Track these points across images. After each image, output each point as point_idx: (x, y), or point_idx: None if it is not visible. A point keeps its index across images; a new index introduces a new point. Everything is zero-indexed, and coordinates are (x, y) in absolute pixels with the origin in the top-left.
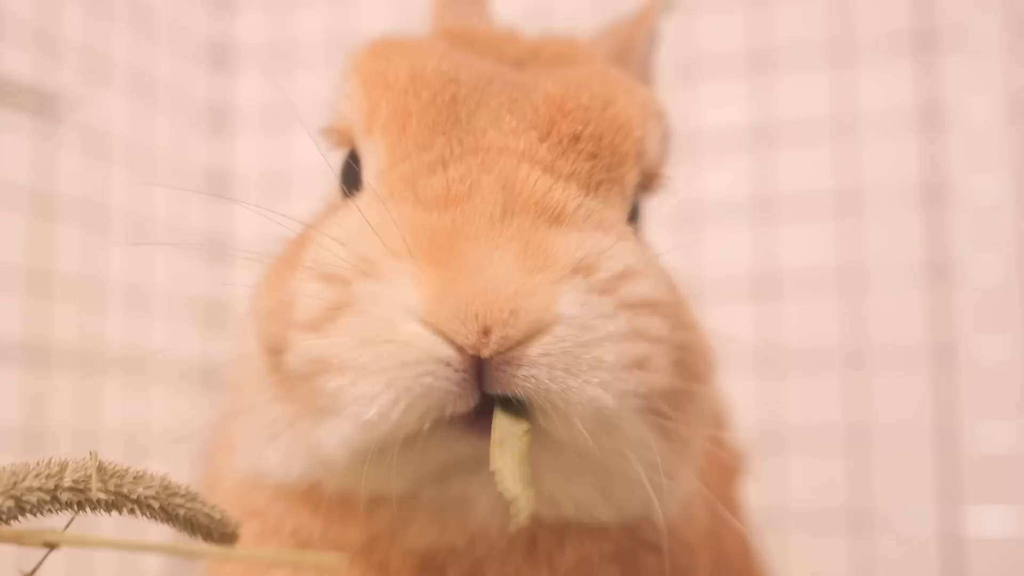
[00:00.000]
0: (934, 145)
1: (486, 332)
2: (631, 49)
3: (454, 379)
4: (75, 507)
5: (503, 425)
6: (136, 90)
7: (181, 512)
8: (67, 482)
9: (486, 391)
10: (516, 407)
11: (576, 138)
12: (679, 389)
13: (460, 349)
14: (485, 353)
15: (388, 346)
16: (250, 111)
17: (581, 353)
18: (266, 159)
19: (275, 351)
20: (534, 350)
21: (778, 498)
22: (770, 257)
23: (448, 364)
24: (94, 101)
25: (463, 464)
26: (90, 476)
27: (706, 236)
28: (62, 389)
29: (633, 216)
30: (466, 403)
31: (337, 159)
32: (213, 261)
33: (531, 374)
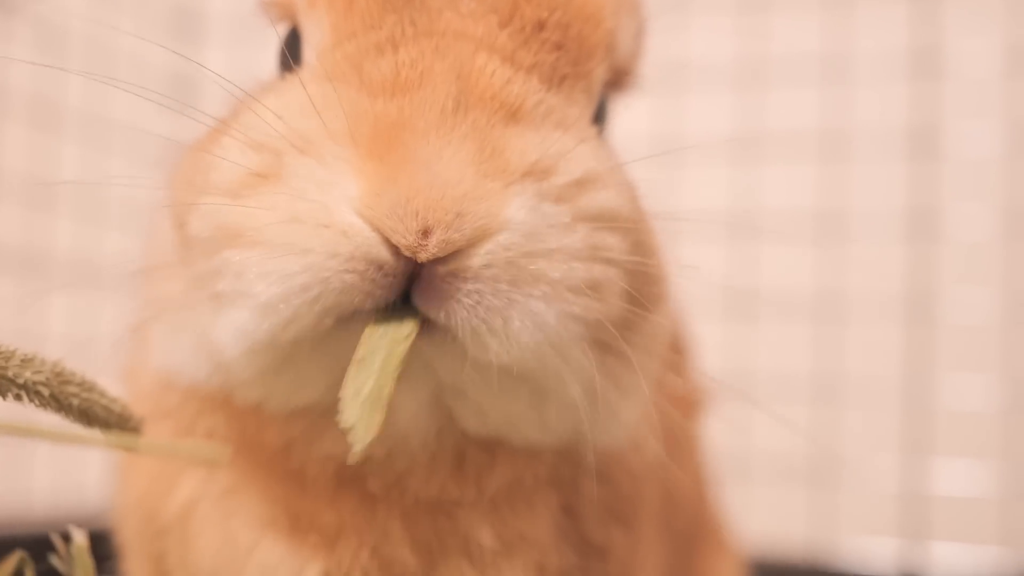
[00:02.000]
0: (926, 91)
1: (426, 233)
2: None
3: (380, 283)
4: None
5: (373, 339)
6: None
7: (75, 402)
8: None
9: (419, 305)
10: (403, 310)
11: (540, 25)
12: (629, 316)
13: (396, 252)
14: (422, 257)
15: (320, 230)
16: (220, 16)
17: (525, 263)
18: (233, 67)
19: (182, 218)
20: (476, 260)
21: (741, 445)
22: (749, 197)
23: (380, 267)
24: None
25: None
26: None
27: (685, 173)
28: (5, 294)
29: (599, 116)
30: (379, 304)
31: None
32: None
33: (475, 289)
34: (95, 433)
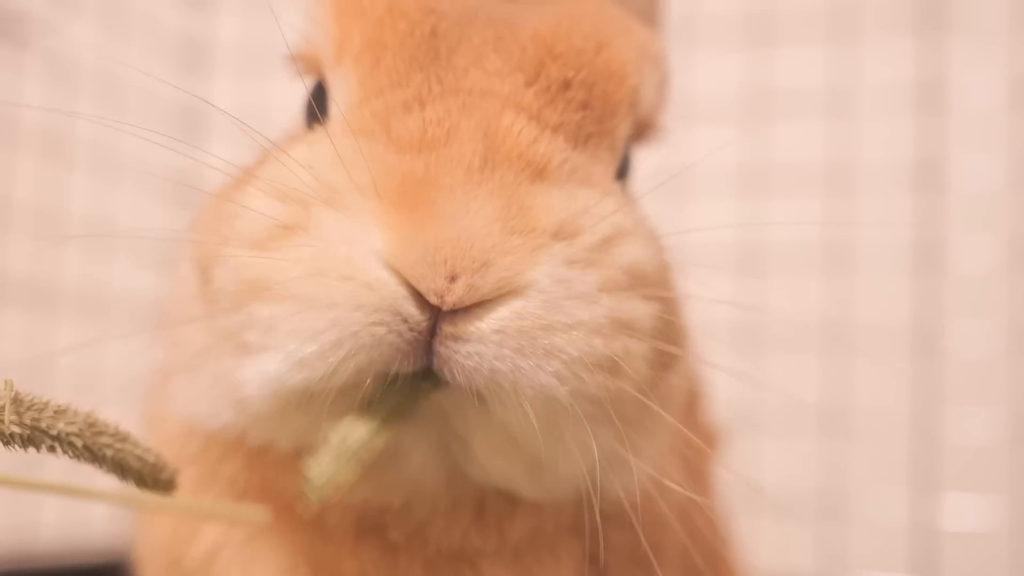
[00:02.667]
0: (932, 125)
1: (452, 279)
2: None
3: (407, 337)
4: None
5: (357, 427)
6: (108, 19)
7: (109, 453)
8: None
9: (435, 364)
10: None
11: (566, 85)
12: (651, 377)
13: (421, 305)
14: (448, 300)
15: (345, 283)
16: (228, 49)
17: (540, 336)
18: (241, 100)
19: (207, 267)
20: (486, 324)
21: (750, 479)
22: (755, 229)
23: (405, 321)
24: (64, 27)
25: (396, 416)
26: (3, 407)
27: (692, 204)
28: (13, 324)
29: (623, 169)
30: (411, 365)
31: (304, 89)
32: (180, 200)
33: (476, 351)
34: (127, 490)
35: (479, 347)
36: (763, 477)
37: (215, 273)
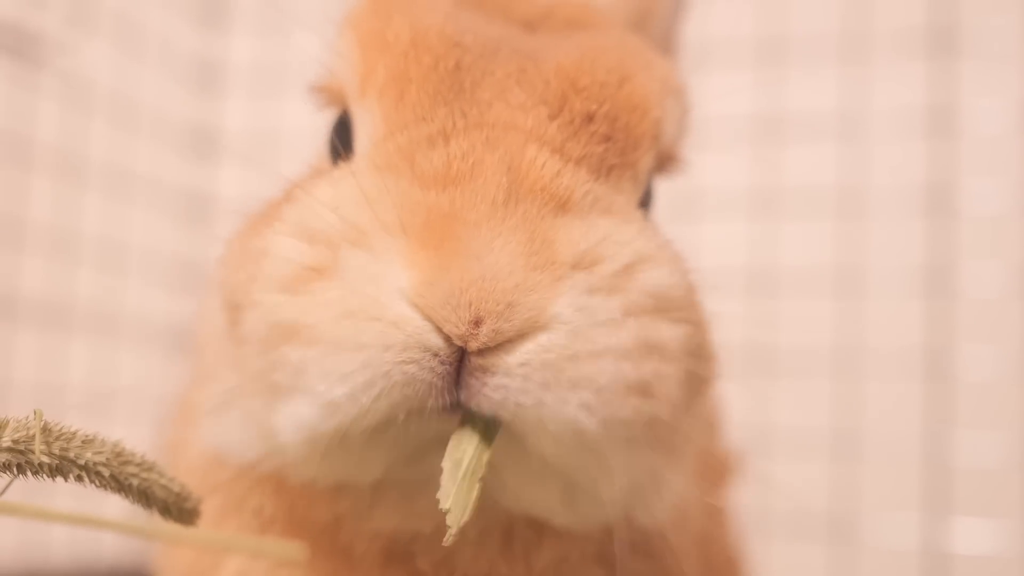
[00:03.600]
0: (942, 149)
1: (477, 323)
2: (652, 13)
3: (438, 371)
4: (15, 470)
5: (462, 446)
6: (123, 40)
7: (135, 482)
8: (6, 442)
9: (463, 394)
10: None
11: (589, 118)
12: (681, 403)
13: (448, 339)
14: (472, 346)
15: (373, 324)
16: (241, 69)
17: (567, 367)
18: (254, 120)
19: (236, 307)
20: (512, 358)
21: (761, 502)
22: (767, 253)
23: (436, 355)
24: (79, 48)
25: (432, 444)
26: (33, 436)
27: (703, 227)
28: (26, 342)
29: (645, 200)
30: (444, 399)
31: (327, 120)
32: (192, 221)
33: (502, 384)
34: (163, 527)
35: (505, 380)
36: (775, 500)
37: (245, 316)
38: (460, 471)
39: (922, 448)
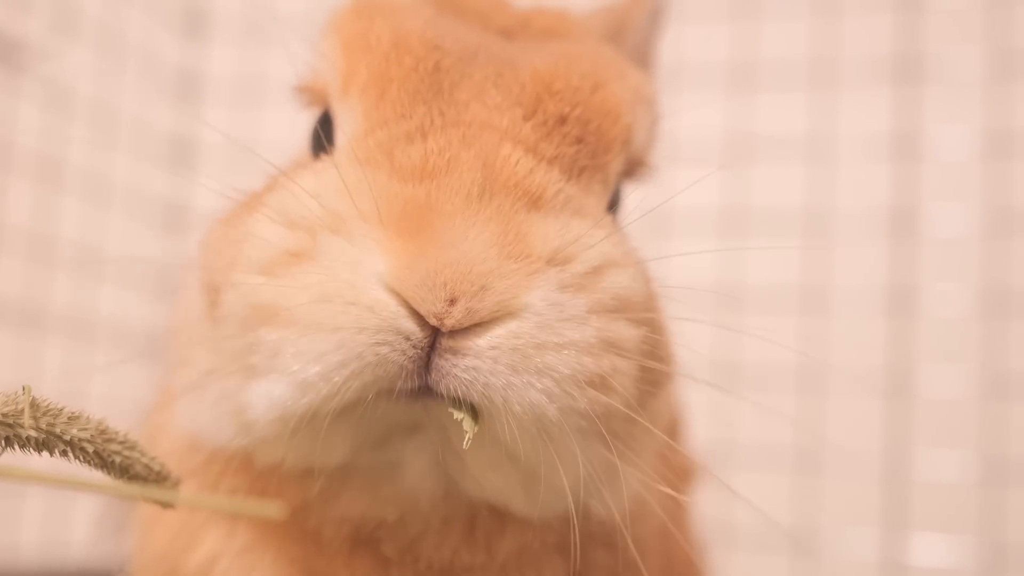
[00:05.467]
0: (906, 173)
1: (452, 302)
2: (627, 27)
3: (409, 354)
4: (3, 443)
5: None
6: (105, 48)
7: (117, 459)
8: None
9: (433, 377)
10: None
11: (562, 120)
12: (637, 398)
13: (422, 323)
14: (447, 323)
15: (349, 307)
16: (221, 81)
17: (533, 354)
18: (233, 131)
19: (215, 289)
20: (483, 341)
21: (723, 513)
22: (735, 271)
23: (408, 339)
24: (61, 55)
25: (398, 428)
26: (22, 411)
27: (671, 246)
28: (2, 345)
29: (613, 203)
30: (413, 382)
31: (308, 121)
32: (169, 229)
33: (472, 365)
34: (151, 489)
35: (476, 362)
36: (736, 512)
37: (224, 297)
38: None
39: (882, 464)
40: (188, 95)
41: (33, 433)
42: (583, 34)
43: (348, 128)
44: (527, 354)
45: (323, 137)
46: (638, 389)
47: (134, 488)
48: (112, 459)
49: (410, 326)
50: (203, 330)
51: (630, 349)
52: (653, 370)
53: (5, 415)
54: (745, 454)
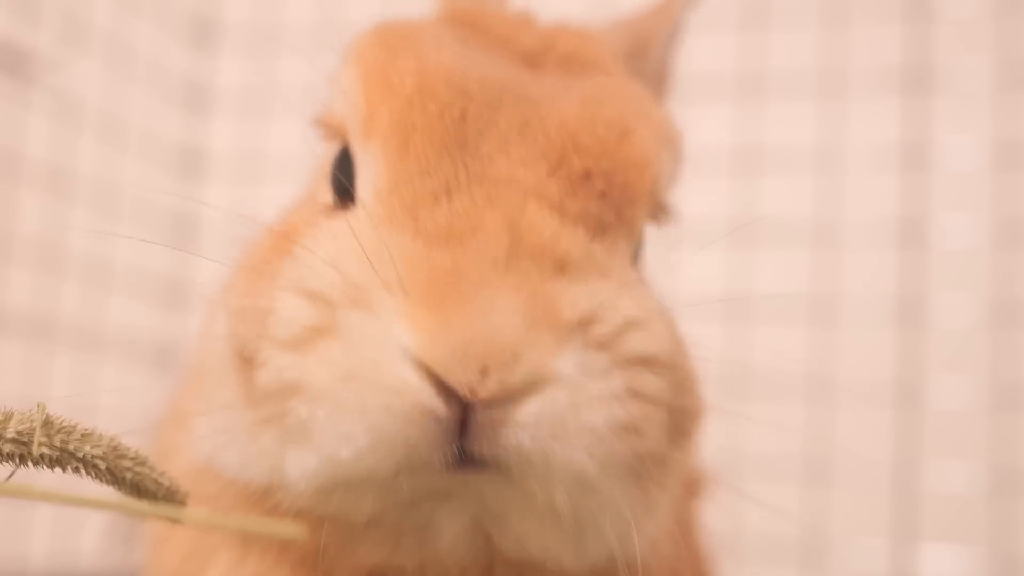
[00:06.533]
0: (916, 183)
1: (483, 373)
2: (650, 43)
3: (440, 431)
4: (16, 460)
5: None
6: (114, 59)
7: (128, 476)
8: (10, 433)
9: (467, 447)
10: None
11: (587, 175)
12: (666, 450)
13: (450, 399)
14: (481, 395)
15: (374, 388)
16: (230, 91)
17: (570, 418)
18: (242, 142)
19: (246, 358)
20: (522, 413)
21: (732, 525)
22: (744, 281)
23: (437, 418)
24: (70, 66)
25: (432, 495)
26: (35, 429)
27: (680, 255)
28: (11, 356)
29: (637, 251)
30: (445, 456)
31: (324, 149)
32: (178, 239)
33: (515, 436)
34: (166, 507)
35: (515, 432)
36: (746, 524)
37: (257, 372)
38: None
39: (892, 474)
40: (197, 106)
41: (47, 451)
42: (607, 59)
43: (369, 177)
44: (564, 419)
45: (341, 176)
46: (667, 435)
47: (144, 505)
48: (124, 475)
49: (438, 405)
50: (231, 381)
51: (656, 397)
52: (681, 416)
53: (20, 433)
54: (754, 466)
